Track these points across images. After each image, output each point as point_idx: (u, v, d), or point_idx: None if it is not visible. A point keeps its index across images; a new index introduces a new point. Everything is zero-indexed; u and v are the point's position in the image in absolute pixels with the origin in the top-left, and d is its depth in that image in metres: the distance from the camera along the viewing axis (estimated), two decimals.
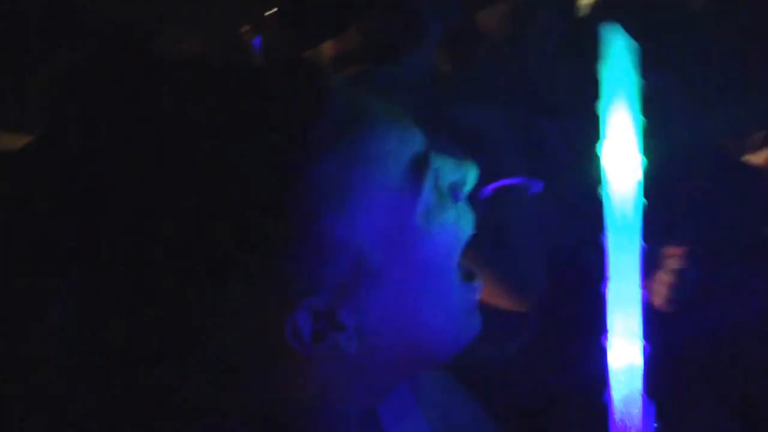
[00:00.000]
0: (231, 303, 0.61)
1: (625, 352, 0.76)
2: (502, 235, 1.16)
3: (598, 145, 0.79)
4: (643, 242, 0.77)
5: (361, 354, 0.65)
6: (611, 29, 0.82)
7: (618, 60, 0.80)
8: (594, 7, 1.75)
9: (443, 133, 1.07)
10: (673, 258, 1.38)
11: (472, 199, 0.72)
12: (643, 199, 0.79)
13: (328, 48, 1.36)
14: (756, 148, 1.74)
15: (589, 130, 1.53)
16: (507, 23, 1.59)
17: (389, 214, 0.64)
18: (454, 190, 0.70)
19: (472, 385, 0.93)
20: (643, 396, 0.76)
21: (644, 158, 0.80)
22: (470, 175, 0.71)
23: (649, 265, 1.37)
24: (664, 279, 1.37)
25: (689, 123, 1.67)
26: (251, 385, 0.65)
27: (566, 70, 1.63)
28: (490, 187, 1.14)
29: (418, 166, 0.67)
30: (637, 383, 0.77)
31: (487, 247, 1.15)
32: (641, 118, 0.79)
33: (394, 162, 0.65)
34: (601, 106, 0.79)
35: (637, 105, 0.80)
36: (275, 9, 1.36)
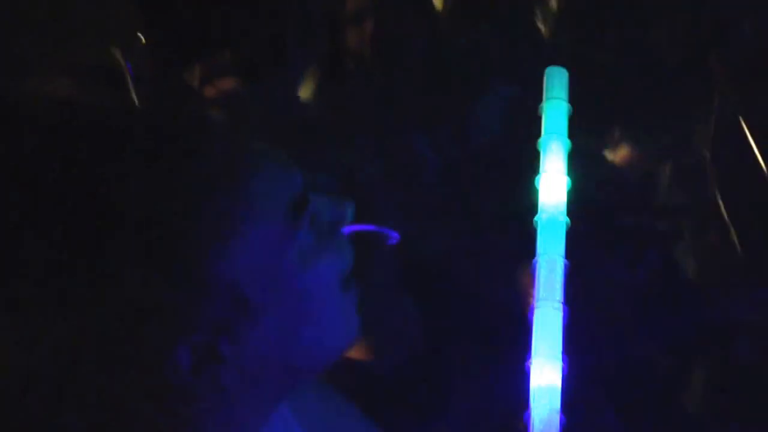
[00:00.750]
0: (110, 342, 0.61)
1: (546, 373, 0.80)
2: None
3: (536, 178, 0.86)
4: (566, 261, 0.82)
5: (241, 383, 0.66)
6: (554, 71, 0.90)
7: (557, 98, 0.88)
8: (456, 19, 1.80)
9: (317, 172, 1.08)
10: None
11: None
12: (567, 219, 0.85)
13: (197, 70, 1.36)
14: (614, 145, 1.83)
15: (459, 139, 1.58)
16: (373, 41, 1.62)
17: (268, 254, 0.66)
18: (333, 227, 0.72)
19: (357, 398, 0.95)
20: (560, 415, 0.80)
21: (570, 181, 0.87)
22: (348, 213, 0.73)
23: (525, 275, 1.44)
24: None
25: None
26: (133, 427, 0.64)
27: (432, 82, 1.68)
28: (347, 231, 1.15)
29: (296, 207, 0.68)
30: (556, 403, 0.80)
31: None
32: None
33: (272, 203, 0.67)
34: (542, 141, 0.87)
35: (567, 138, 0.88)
36: (144, 34, 1.35)
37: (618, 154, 1.80)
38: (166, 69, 1.38)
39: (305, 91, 1.48)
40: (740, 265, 1.67)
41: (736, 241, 1.70)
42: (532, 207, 0.94)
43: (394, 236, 1.13)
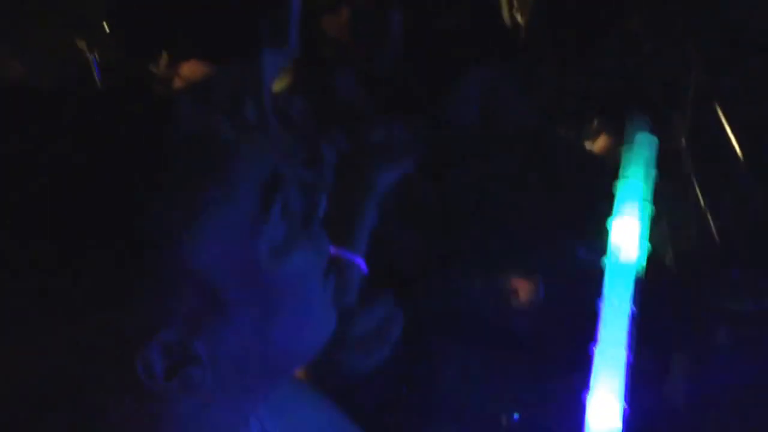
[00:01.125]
0: (77, 343, 0.58)
1: (605, 414, 0.80)
2: None
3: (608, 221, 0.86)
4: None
5: (216, 384, 0.64)
6: (636, 123, 0.92)
7: (638, 151, 0.90)
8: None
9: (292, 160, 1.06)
10: (524, 290, 1.46)
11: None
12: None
13: (164, 59, 1.33)
14: (593, 135, 1.83)
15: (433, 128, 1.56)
16: (350, 27, 1.61)
17: (238, 245, 0.64)
18: (306, 218, 0.71)
19: (338, 396, 0.93)
20: None
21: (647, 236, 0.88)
22: (321, 202, 0.71)
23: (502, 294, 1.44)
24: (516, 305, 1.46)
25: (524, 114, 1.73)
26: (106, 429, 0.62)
27: (409, 70, 1.66)
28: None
29: (266, 195, 0.66)
30: None
31: None
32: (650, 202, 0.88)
33: (242, 190, 0.65)
34: (619, 186, 0.87)
35: (648, 190, 0.88)
36: (109, 23, 1.32)
37: (597, 144, 1.80)
38: (132, 57, 1.34)
39: (282, 81, 1.47)
40: (718, 253, 1.68)
41: (714, 229, 1.71)
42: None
43: (361, 266, 1.11)
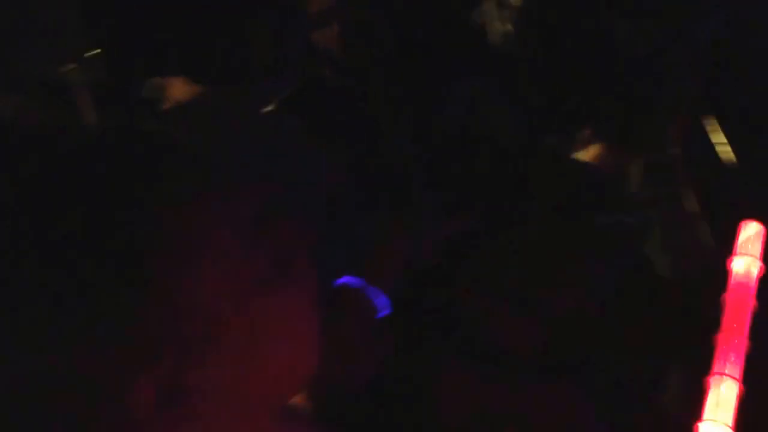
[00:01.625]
0: (74, 376, 0.59)
1: None
2: None
3: None
4: None
5: (207, 413, 0.65)
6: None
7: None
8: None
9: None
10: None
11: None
12: None
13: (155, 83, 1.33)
14: (583, 145, 1.83)
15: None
16: (342, 41, 1.62)
17: (232, 275, 0.65)
18: (296, 246, 0.72)
19: (330, 414, 0.94)
20: None
21: None
22: (312, 235, 0.73)
23: None
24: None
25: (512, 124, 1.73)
26: None
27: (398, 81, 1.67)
28: (338, 282, 1.16)
29: (259, 226, 0.68)
30: None
31: None
32: None
33: (235, 222, 0.66)
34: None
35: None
36: (97, 50, 1.32)
37: (589, 153, 1.80)
38: (122, 83, 1.35)
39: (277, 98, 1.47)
40: (714, 263, 1.67)
41: (710, 238, 1.71)
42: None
43: (386, 307, 1.13)
